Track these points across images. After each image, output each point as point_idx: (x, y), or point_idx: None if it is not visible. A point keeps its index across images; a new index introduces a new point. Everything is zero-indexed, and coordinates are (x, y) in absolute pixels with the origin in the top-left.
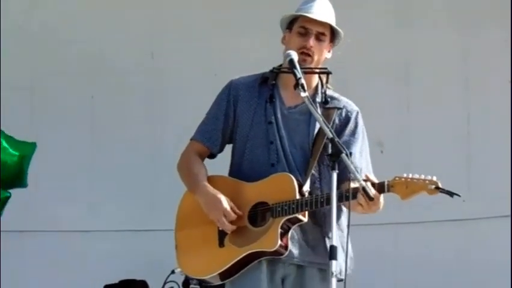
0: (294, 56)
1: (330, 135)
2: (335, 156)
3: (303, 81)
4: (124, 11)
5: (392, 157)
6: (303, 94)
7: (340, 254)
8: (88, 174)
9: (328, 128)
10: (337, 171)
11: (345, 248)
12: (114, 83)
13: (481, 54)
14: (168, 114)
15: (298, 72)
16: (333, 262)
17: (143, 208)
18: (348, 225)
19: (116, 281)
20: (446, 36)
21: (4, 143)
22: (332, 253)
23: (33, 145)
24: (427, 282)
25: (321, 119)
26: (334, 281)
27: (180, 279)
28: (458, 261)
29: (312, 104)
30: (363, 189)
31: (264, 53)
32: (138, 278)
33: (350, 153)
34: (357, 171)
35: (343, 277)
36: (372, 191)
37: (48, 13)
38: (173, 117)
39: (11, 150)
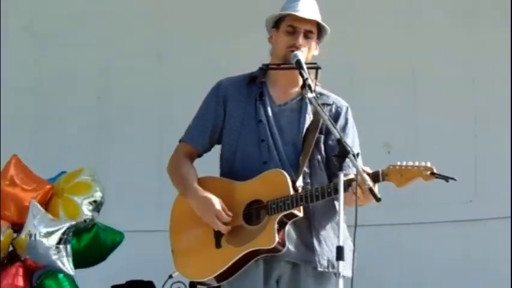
0: (301, 56)
1: (338, 136)
2: (342, 157)
3: (310, 82)
4: (130, 13)
5: (399, 158)
6: (309, 95)
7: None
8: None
9: (335, 128)
10: (344, 171)
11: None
12: (121, 83)
13: (487, 55)
14: (174, 114)
15: (306, 73)
16: (341, 263)
17: (150, 208)
18: (355, 225)
19: (123, 282)
20: (453, 38)
21: (101, 228)
22: (339, 254)
23: (122, 236)
24: (431, 282)
25: (327, 119)
26: (341, 281)
27: (187, 279)
28: (462, 262)
29: (319, 105)
30: (370, 190)
31: (264, 53)
32: (145, 278)
33: (358, 154)
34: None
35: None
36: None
37: (55, 14)
38: (179, 118)
39: (103, 238)
